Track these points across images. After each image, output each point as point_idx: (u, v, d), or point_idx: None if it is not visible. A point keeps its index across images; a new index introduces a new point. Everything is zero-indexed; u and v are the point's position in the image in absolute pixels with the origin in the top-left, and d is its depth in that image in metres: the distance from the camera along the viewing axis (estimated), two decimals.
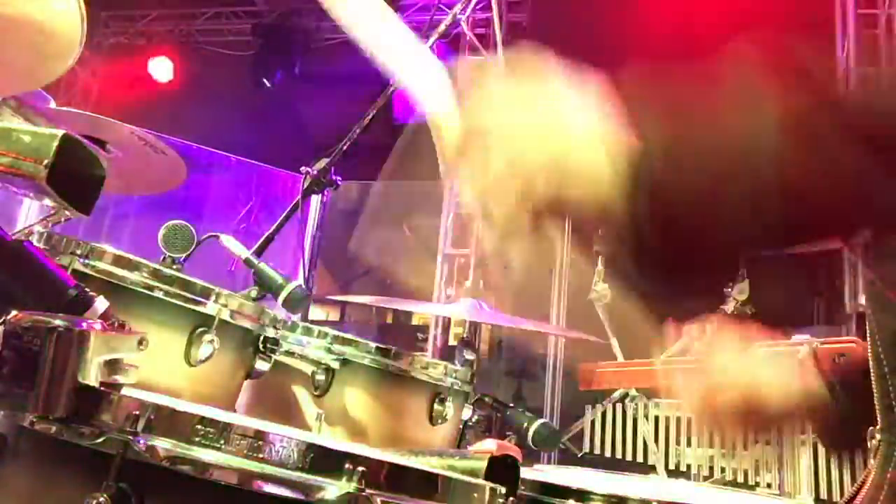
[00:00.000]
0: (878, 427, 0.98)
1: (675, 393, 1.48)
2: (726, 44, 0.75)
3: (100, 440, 0.88)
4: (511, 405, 2.06)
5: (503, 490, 1.02)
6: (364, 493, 0.86)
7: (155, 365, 1.44)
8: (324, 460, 0.89)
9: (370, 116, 2.34)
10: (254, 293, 1.77)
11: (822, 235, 0.80)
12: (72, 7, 0.93)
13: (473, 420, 2.03)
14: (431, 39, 2.48)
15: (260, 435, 0.89)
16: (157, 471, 0.87)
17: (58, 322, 0.90)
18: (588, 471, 1.92)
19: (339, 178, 2.30)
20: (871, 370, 0.85)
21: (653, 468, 2.87)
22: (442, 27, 2.52)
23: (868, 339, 0.92)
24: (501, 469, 1.07)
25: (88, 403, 0.90)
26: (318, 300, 7.79)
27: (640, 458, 2.94)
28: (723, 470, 2.86)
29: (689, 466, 2.91)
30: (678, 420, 2.93)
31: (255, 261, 1.83)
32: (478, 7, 2.57)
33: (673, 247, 0.72)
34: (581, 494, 1.25)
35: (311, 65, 7.76)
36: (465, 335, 2.72)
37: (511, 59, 0.78)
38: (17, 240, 1.03)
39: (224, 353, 1.56)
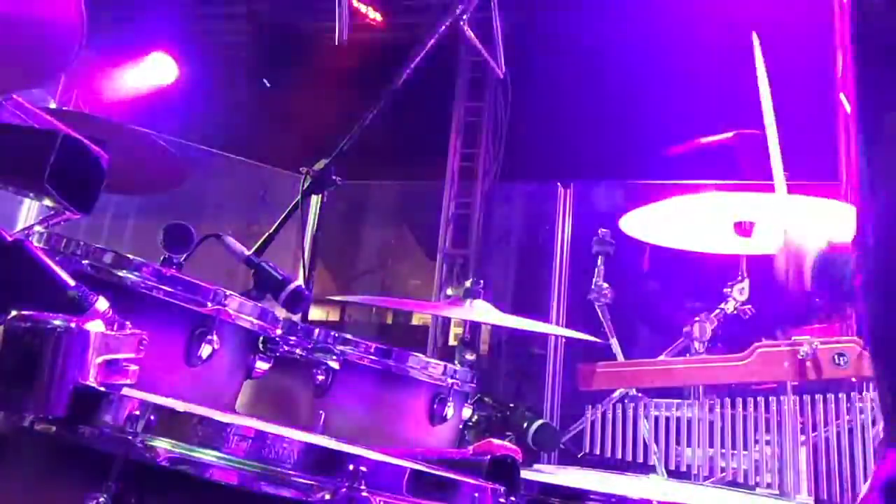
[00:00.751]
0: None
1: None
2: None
3: (100, 440, 0.88)
4: (511, 405, 2.06)
5: (503, 490, 1.03)
6: (364, 493, 0.86)
7: (155, 365, 1.44)
8: (324, 460, 0.89)
9: (370, 116, 2.33)
10: (254, 293, 1.77)
11: None
12: (72, 5, 0.93)
13: (473, 420, 2.03)
14: (431, 40, 2.48)
15: (260, 435, 0.89)
16: (157, 471, 0.87)
17: (58, 322, 0.90)
18: (588, 471, 1.92)
19: (339, 178, 2.30)
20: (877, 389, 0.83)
21: (653, 468, 2.87)
22: (442, 27, 2.52)
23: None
24: (501, 469, 1.07)
25: (88, 403, 0.90)
26: (318, 300, 7.79)
27: (640, 458, 2.93)
28: (723, 470, 2.86)
29: (689, 466, 2.91)
30: (678, 420, 2.93)
31: (256, 261, 1.82)
32: (478, 7, 2.56)
33: None
34: (581, 494, 1.25)
35: (312, 65, 7.76)
36: (465, 335, 2.72)
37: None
38: (17, 240, 1.03)
39: (224, 353, 1.56)
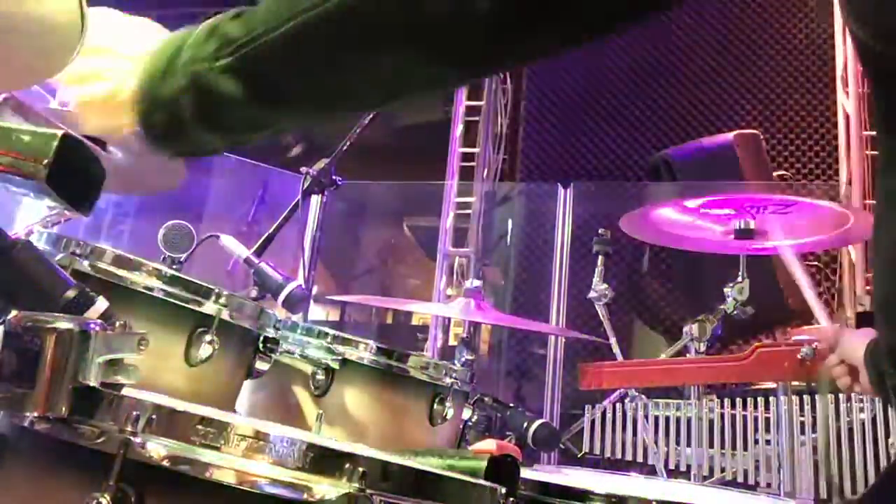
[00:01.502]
0: None
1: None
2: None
3: (100, 440, 0.88)
4: (511, 405, 2.06)
5: (503, 490, 1.03)
6: (364, 493, 0.86)
7: (155, 365, 1.44)
8: (324, 460, 0.89)
9: (370, 116, 2.33)
10: (254, 293, 1.77)
11: None
12: (72, 4, 0.93)
13: (473, 420, 2.03)
14: None
15: (260, 435, 0.89)
16: (157, 471, 0.87)
17: (58, 322, 0.90)
18: (588, 471, 1.92)
19: (339, 178, 2.31)
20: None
21: (653, 468, 2.87)
22: None
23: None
24: (501, 469, 1.07)
25: (88, 403, 0.90)
26: (318, 300, 7.79)
27: (640, 458, 2.94)
28: (723, 470, 2.86)
29: (689, 466, 2.91)
30: (678, 420, 2.93)
31: (256, 261, 1.83)
32: None
33: None
34: (581, 494, 1.25)
35: None
36: (465, 335, 2.72)
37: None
38: (17, 240, 1.03)
39: (224, 353, 1.56)
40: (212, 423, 0.89)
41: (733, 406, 2.90)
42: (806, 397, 2.81)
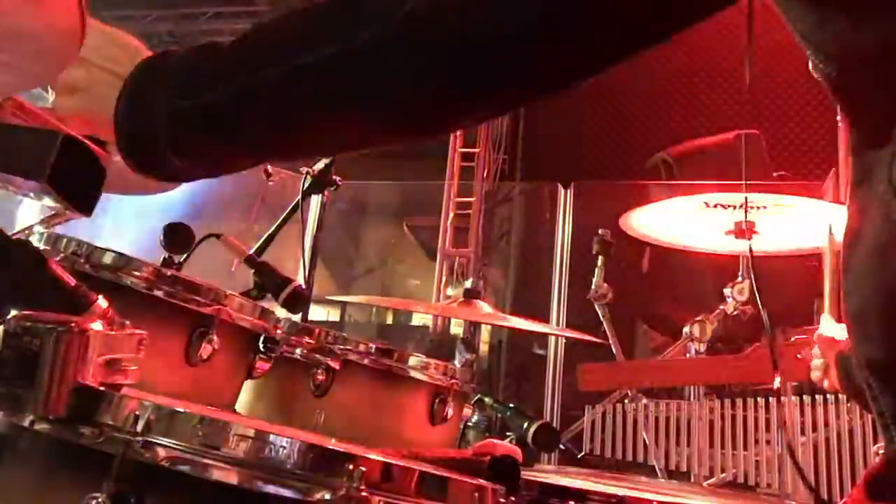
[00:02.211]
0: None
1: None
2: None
3: (100, 440, 0.88)
4: (511, 405, 2.06)
5: (503, 490, 1.02)
6: (364, 494, 0.86)
7: (155, 365, 1.44)
8: (324, 460, 0.89)
9: None
10: (254, 293, 1.77)
11: None
12: (71, 8, 0.93)
13: (473, 420, 2.03)
14: None
15: (260, 435, 0.89)
16: (157, 471, 0.87)
17: (58, 322, 0.90)
18: (588, 471, 1.92)
19: (339, 178, 2.31)
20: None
21: (653, 468, 2.87)
22: None
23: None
24: (501, 469, 1.07)
25: (88, 403, 0.90)
26: (318, 300, 7.79)
27: (640, 458, 2.93)
28: (723, 470, 2.86)
29: (689, 466, 2.91)
30: (678, 420, 2.93)
31: (256, 261, 1.82)
32: None
33: None
34: (581, 495, 1.25)
35: None
36: (465, 335, 2.72)
37: None
38: (17, 240, 1.03)
39: (224, 353, 1.56)
40: (212, 423, 0.89)
41: (733, 406, 2.90)
42: (806, 397, 2.81)
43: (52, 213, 1.59)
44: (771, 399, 2.84)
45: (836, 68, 0.76)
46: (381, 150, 0.95)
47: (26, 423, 0.92)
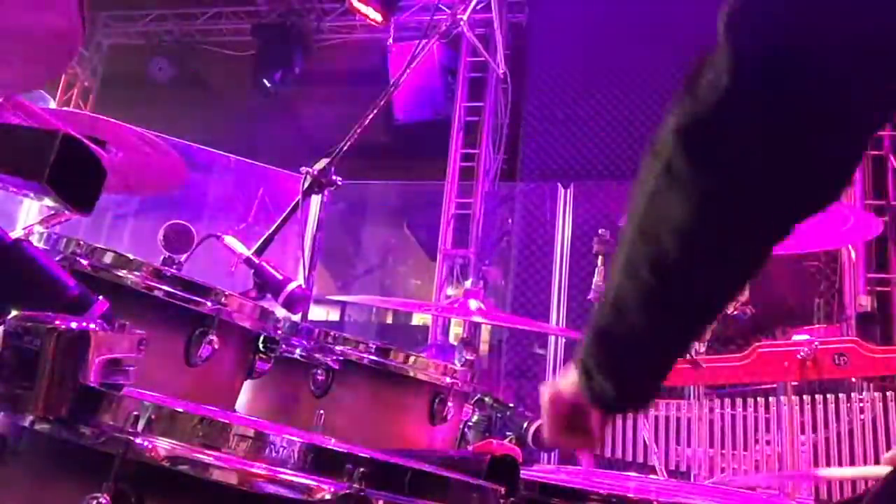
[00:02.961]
0: None
1: None
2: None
3: (100, 440, 0.88)
4: (511, 405, 2.06)
5: (503, 490, 1.02)
6: (364, 493, 0.86)
7: (155, 365, 1.44)
8: (324, 460, 0.89)
9: (370, 116, 2.33)
10: (254, 293, 1.77)
11: None
12: (72, 10, 0.93)
13: (473, 420, 2.03)
14: (431, 40, 2.48)
15: (260, 435, 0.89)
16: (157, 471, 0.87)
17: (58, 322, 0.90)
18: (588, 471, 1.91)
19: (339, 178, 2.30)
20: None
21: (653, 468, 2.87)
22: (442, 27, 2.53)
23: None
24: (501, 469, 1.07)
25: (88, 403, 0.90)
26: (318, 300, 7.79)
27: (640, 458, 2.93)
28: (723, 470, 2.86)
29: (689, 466, 2.91)
30: (678, 420, 2.93)
31: (256, 261, 1.82)
32: (478, 7, 2.56)
33: None
34: (581, 494, 1.25)
35: (311, 65, 7.76)
36: (465, 335, 2.72)
37: None
38: (17, 240, 1.03)
39: (224, 353, 1.56)
40: (212, 423, 0.89)
41: (733, 406, 2.90)
42: (806, 397, 2.81)
43: (52, 213, 1.59)
44: (771, 399, 2.85)
45: None
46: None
47: (26, 423, 0.92)
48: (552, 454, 3.31)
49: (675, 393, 3.20)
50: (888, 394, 2.77)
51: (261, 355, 1.66)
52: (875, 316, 5.11)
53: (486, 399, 2.05)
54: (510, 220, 6.50)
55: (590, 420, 1.12)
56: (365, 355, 1.82)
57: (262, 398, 1.84)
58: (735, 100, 0.80)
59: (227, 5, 8.01)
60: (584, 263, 5.45)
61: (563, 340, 5.47)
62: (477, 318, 2.50)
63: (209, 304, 1.53)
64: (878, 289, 5.39)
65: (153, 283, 1.49)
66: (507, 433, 1.96)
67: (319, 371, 1.78)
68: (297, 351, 1.77)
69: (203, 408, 1.14)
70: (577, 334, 2.93)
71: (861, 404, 2.80)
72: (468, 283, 2.40)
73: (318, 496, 0.87)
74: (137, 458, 0.87)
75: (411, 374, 1.84)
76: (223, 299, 1.55)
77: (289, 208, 2.31)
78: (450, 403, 1.87)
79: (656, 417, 2.94)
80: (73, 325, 0.91)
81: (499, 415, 2.05)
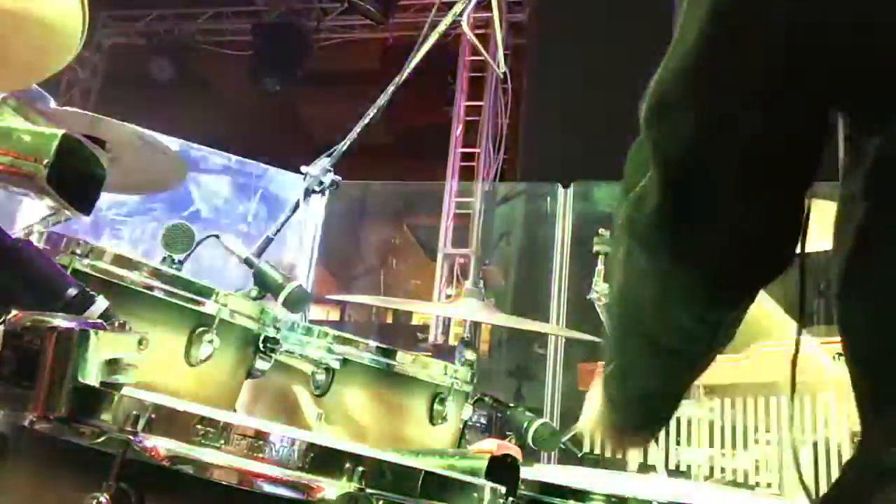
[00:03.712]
0: None
1: None
2: None
3: (100, 440, 0.88)
4: (511, 405, 2.06)
5: (503, 490, 1.02)
6: (364, 493, 0.86)
7: (155, 365, 1.43)
8: (324, 460, 0.89)
9: (370, 116, 2.34)
10: (254, 293, 1.77)
11: None
12: (73, 5, 0.93)
13: (473, 420, 2.02)
14: (431, 40, 2.48)
15: (260, 435, 0.89)
16: (157, 471, 0.87)
17: (58, 322, 0.90)
18: (588, 471, 1.92)
19: (339, 178, 2.30)
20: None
21: (653, 468, 2.87)
22: (442, 27, 2.53)
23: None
24: (501, 469, 1.07)
25: (88, 403, 0.90)
26: (318, 300, 7.79)
27: (640, 459, 2.93)
28: (723, 470, 2.86)
29: (689, 466, 2.91)
30: (678, 420, 2.93)
31: (255, 261, 1.82)
32: (478, 7, 2.56)
33: None
34: (581, 494, 1.25)
35: (311, 65, 7.76)
36: (465, 335, 2.72)
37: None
38: (17, 240, 1.03)
39: (224, 353, 1.56)
40: (212, 423, 0.89)
41: (733, 406, 2.90)
42: (806, 397, 2.81)
43: (52, 213, 1.59)
44: (771, 399, 2.84)
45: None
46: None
47: (26, 423, 0.92)
48: (552, 454, 3.32)
49: None
50: None
51: (261, 355, 1.66)
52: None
53: (486, 399, 2.05)
54: (510, 220, 6.51)
55: None
56: (365, 355, 1.82)
57: (262, 398, 1.84)
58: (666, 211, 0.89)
59: (227, 5, 8.02)
60: (584, 263, 5.45)
61: (563, 340, 5.47)
62: (477, 318, 2.50)
63: (209, 304, 1.53)
64: None
65: (153, 283, 1.49)
66: (507, 433, 1.96)
67: (319, 371, 1.78)
68: (298, 351, 1.77)
69: (203, 408, 1.13)
70: (577, 334, 2.93)
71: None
72: (468, 283, 2.39)
73: (319, 496, 0.87)
74: (137, 457, 0.87)
75: (411, 373, 1.85)
76: (223, 299, 1.56)
77: (289, 208, 2.31)
78: (450, 403, 1.87)
79: None
80: (73, 325, 0.91)
81: (499, 415, 2.05)
